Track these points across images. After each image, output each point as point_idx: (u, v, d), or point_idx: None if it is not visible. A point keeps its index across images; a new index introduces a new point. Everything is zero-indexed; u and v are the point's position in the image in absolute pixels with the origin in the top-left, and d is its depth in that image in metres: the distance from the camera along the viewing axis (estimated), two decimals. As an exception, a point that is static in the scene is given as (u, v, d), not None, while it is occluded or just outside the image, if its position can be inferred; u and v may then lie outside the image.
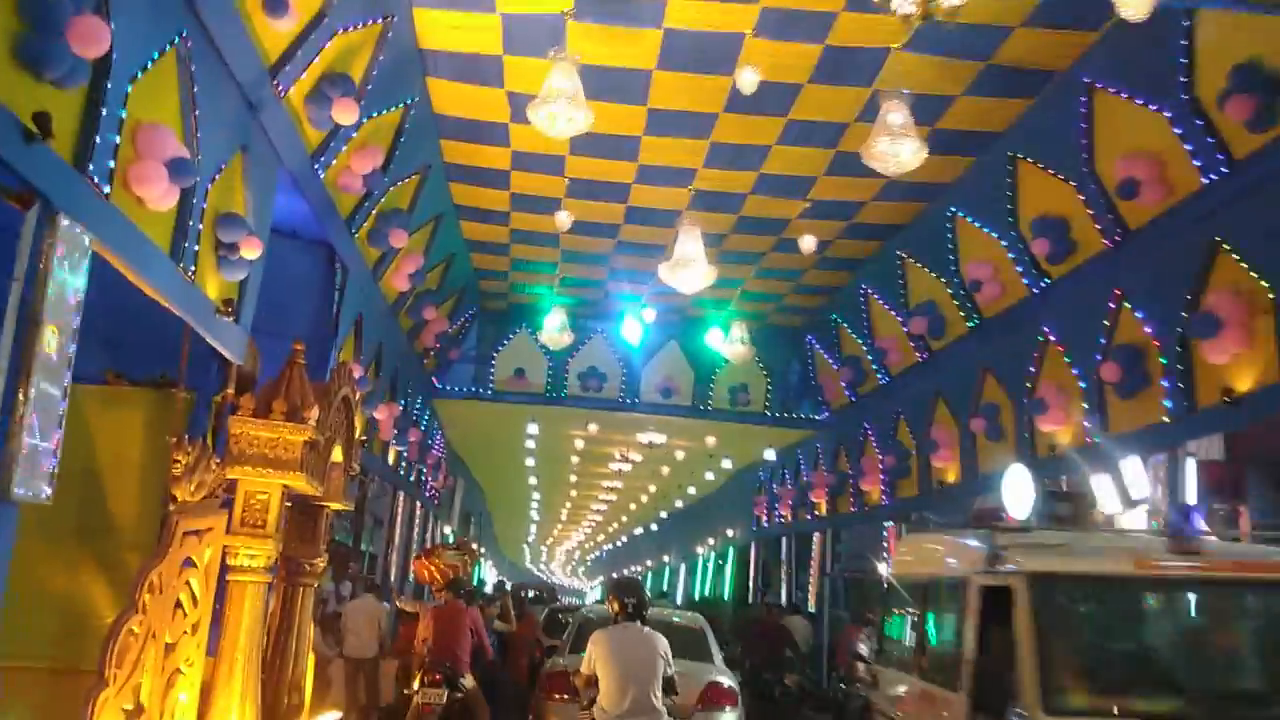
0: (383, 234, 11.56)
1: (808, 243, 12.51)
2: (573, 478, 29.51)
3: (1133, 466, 10.47)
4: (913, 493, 15.09)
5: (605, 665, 6.39)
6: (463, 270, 16.01)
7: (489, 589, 23.97)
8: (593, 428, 19.46)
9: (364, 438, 13.27)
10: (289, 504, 5.27)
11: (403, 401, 15.60)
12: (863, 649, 13.00)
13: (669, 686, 6.56)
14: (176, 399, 6.43)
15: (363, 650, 13.72)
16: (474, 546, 13.90)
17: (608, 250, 15.50)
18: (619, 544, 52.72)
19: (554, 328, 15.03)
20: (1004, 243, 11.54)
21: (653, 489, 30.52)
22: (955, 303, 13.02)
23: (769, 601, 15.57)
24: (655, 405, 19.26)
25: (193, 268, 6.82)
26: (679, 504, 33.41)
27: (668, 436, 19.99)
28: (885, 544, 16.39)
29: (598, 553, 62.58)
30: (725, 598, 28.69)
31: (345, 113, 8.25)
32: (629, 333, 16.83)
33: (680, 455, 23.07)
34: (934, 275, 13.36)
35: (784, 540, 22.25)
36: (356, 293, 11.72)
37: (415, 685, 9.94)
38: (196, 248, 6.81)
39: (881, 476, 16.11)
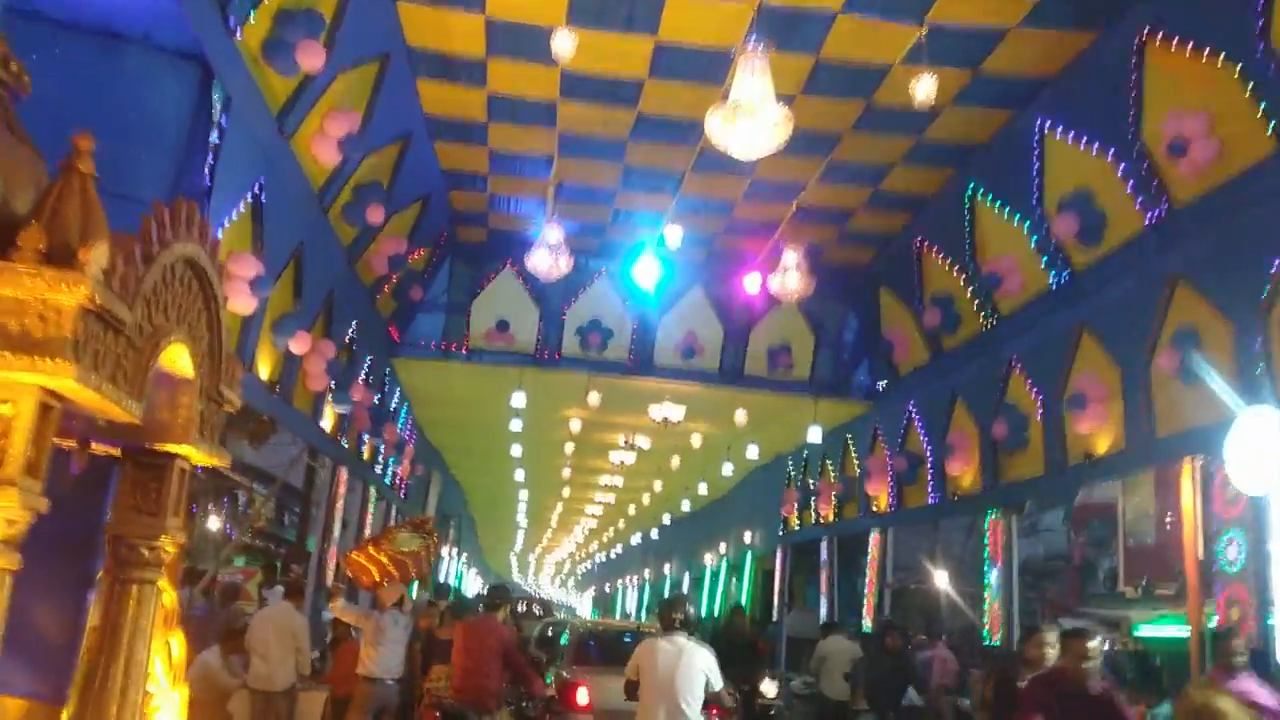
0: (286, 48, 7.60)
1: (924, 88, 8.52)
2: (566, 472, 25.41)
3: None
4: (1032, 471, 11.10)
5: (645, 674, 6.47)
6: (425, 171, 12.00)
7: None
8: (594, 399, 15.46)
9: (275, 381, 9.25)
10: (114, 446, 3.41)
11: (342, 343, 11.59)
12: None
13: (717, 700, 6.74)
14: None
15: (271, 679, 9.77)
16: (435, 529, 9.95)
17: (617, 148, 11.54)
18: (613, 554, 48.50)
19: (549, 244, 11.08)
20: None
21: (658, 487, 26.40)
22: (1125, 184, 9.08)
23: (890, 621, 11.37)
24: (673, 370, 15.27)
25: None
26: (685, 506, 29.27)
27: (686, 411, 15.96)
28: (982, 543, 12.40)
29: (589, 564, 58.34)
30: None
31: None
32: (642, 274, 12.84)
33: (697, 441, 19.02)
34: (1095, 151, 9.42)
35: (824, 544, 18.20)
36: (248, 141, 7.74)
37: None
38: None
39: (980, 453, 12.13)
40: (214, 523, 14.93)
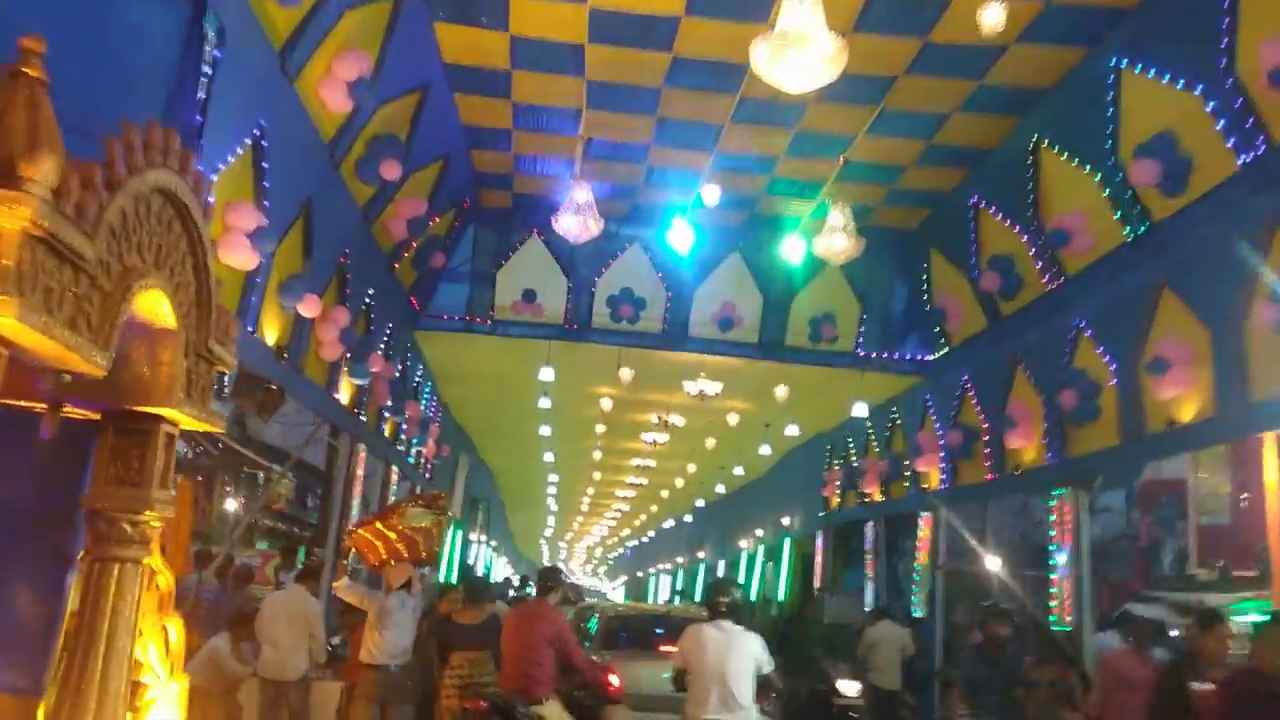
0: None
1: (992, 17, 7.63)
2: (597, 454, 24.67)
3: None
4: (1104, 442, 10.20)
5: (694, 661, 6.34)
6: (445, 126, 11.22)
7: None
8: (625, 374, 14.68)
9: (283, 347, 8.54)
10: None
11: (359, 311, 10.88)
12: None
13: (768, 686, 6.54)
14: None
15: (283, 668, 9.17)
16: (447, 506, 9.22)
17: (650, 96, 10.71)
18: (645, 539, 47.82)
19: (578, 204, 10.31)
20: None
21: (692, 469, 25.60)
22: (1214, 123, 8.15)
23: (997, 607, 9.63)
24: (709, 341, 14.44)
25: None
26: (720, 489, 28.48)
27: (723, 387, 15.13)
28: (1048, 521, 11.52)
29: (621, 550, 57.75)
30: (777, 599, 23.78)
31: None
32: (677, 240, 12.07)
33: (734, 419, 18.21)
34: (1179, 88, 8.48)
35: (869, 526, 17.34)
36: (246, 78, 7.01)
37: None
38: None
39: (1044, 425, 11.24)
40: (231, 504, 14.26)
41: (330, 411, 10.94)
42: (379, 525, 8.40)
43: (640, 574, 54.68)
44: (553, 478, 29.37)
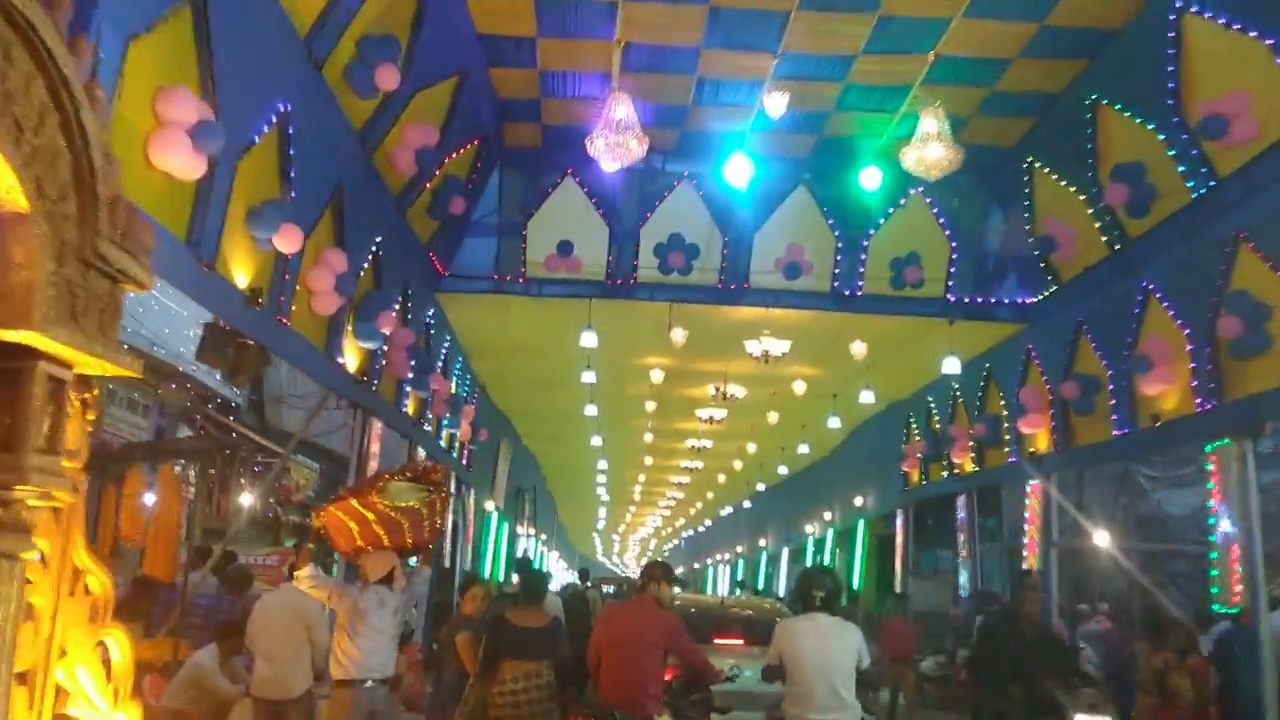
0: None
1: None
2: (648, 437, 22.83)
3: None
4: (1277, 380, 8.19)
5: (793, 659, 5.94)
6: (455, 31, 9.43)
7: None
8: (678, 336, 12.86)
9: (257, 290, 6.85)
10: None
11: (364, 259, 9.14)
12: None
13: (866, 681, 6.17)
14: None
15: (279, 684, 7.48)
16: (445, 481, 7.37)
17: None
18: (701, 529, 45.91)
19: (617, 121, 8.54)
20: None
21: (751, 449, 23.65)
22: None
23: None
24: (774, 293, 12.57)
25: None
26: (782, 471, 26.50)
27: (790, 346, 13.20)
28: (1205, 480, 9.52)
29: (676, 541, 55.89)
30: (851, 587, 21.82)
31: None
32: (734, 173, 10.25)
33: (800, 387, 16.27)
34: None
35: (961, 501, 15.34)
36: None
37: None
38: None
39: (1192, 364, 9.23)
40: (247, 498, 12.62)
41: (331, 379, 9.19)
42: (354, 503, 6.61)
43: (697, 565, 52.83)
44: (601, 464, 27.54)
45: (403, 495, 6.79)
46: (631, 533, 54.53)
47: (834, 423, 18.92)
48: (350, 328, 9.12)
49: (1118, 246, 10.39)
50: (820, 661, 5.91)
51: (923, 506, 18.20)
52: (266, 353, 7.60)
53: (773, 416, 19.07)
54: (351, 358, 9.38)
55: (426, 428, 12.91)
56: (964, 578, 14.83)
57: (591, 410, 18.73)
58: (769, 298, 12.54)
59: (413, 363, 11.31)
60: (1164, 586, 17.94)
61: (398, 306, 10.58)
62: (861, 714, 6.00)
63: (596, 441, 23.08)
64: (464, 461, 16.51)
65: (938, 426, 16.17)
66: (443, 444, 14.39)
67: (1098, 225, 10.54)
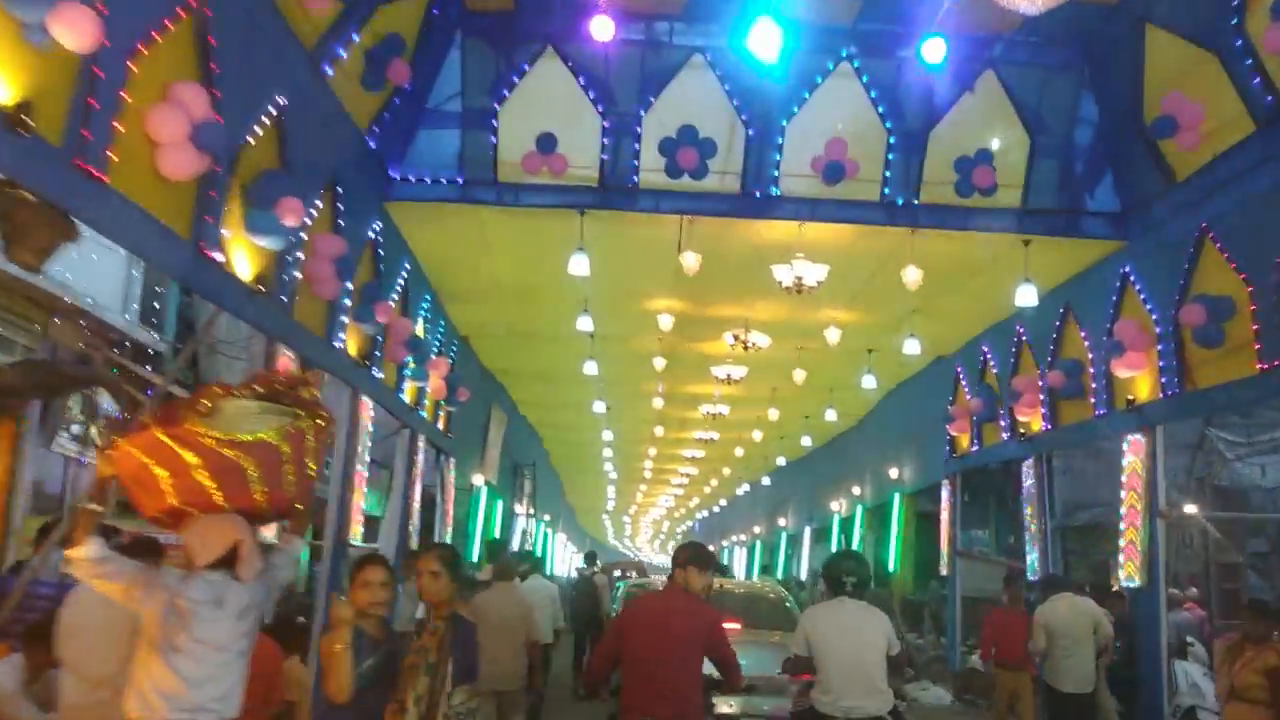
0: None
1: None
2: (657, 402, 20.33)
3: None
4: None
5: (822, 646, 5.85)
6: None
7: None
8: (690, 262, 10.37)
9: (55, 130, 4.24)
10: None
11: (245, 114, 6.63)
12: None
13: (895, 666, 6.00)
14: None
15: (101, 711, 4.99)
16: (320, 400, 4.89)
17: None
18: (717, 509, 43.42)
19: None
20: None
21: (773, 416, 21.07)
22: None
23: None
24: (809, 202, 10.09)
25: None
26: (806, 442, 23.92)
27: (828, 273, 10.68)
28: None
29: (690, 523, 53.45)
30: (886, 570, 19.34)
31: None
32: (759, 45, 7.79)
33: (834, 335, 13.73)
34: None
35: (1028, 466, 12.76)
36: None
37: None
38: None
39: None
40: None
41: (203, 281, 6.66)
42: (162, 435, 4.14)
43: (712, 548, 50.44)
44: (607, 435, 25.06)
45: (248, 422, 4.32)
46: (643, 514, 52.12)
47: (869, 382, 16.41)
48: (235, 212, 6.64)
49: (1269, 119, 7.80)
50: (851, 649, 5.79)
51: (973, 476, 15.71)
52: (71, 224, 5.10)
53: (799, 375, 16.52)
54: (241, 257, 6.89)
55: (377, 374, 10.45)
56: (1033, 558, 12.28)
57: (591, 368, 16.25)
58: (803, 209, 10.03)
59: (349, 285, 8.86)
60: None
61: (321, 204, 8.11)
62: (895, 701, 5.89)
63: (600, 409, 20.61)
64: (438, 425, 14.08)
65: (995, 380, 13.62)
66: (405, 399, 11.94)
67: (1238, 92, 7.96)
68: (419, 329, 12.16)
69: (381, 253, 10.08)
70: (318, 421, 4.51)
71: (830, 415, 19.99)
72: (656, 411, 21.37)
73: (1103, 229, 10.05)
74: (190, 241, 6.16)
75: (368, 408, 10.23)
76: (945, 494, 15.68)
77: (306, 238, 7.81)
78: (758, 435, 23.93)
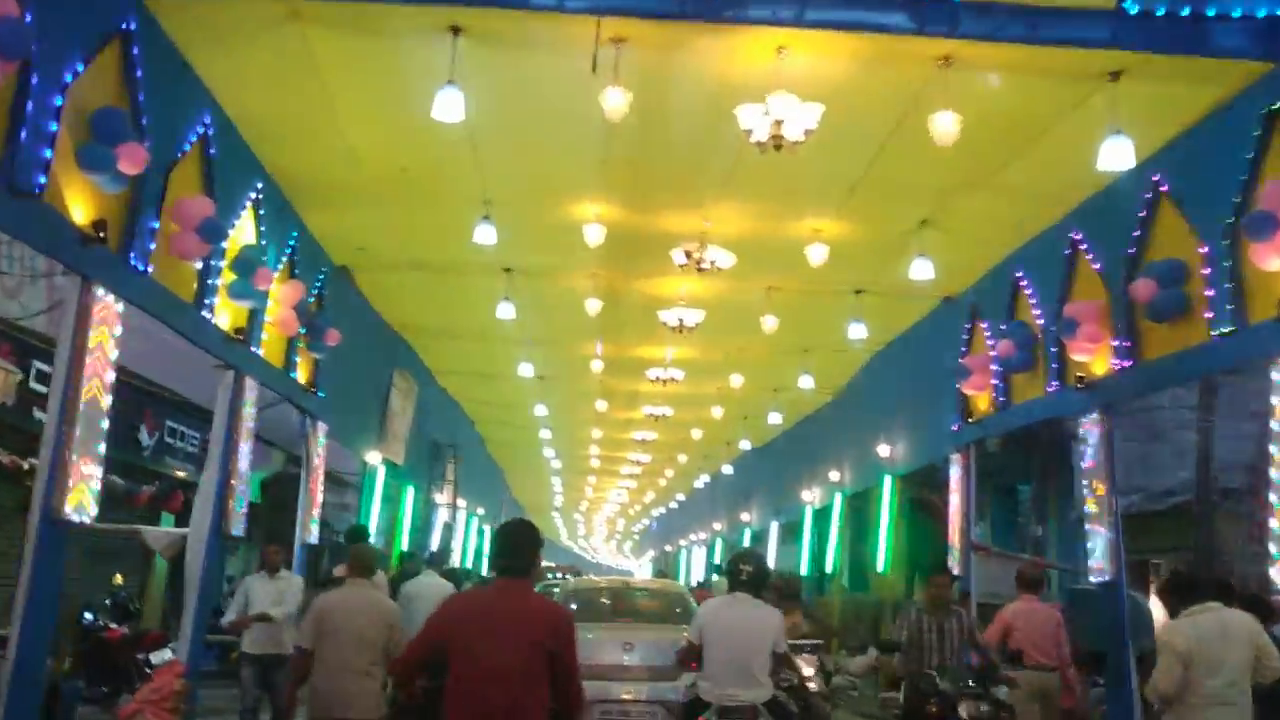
0: None
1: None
2: (595, 364, 16.74)
3: None
4: None
5: (710, 637, 6.29)
6: None
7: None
8: (615, 102, 6.77)
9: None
10: None
11: None
12: None
13: (782, 664, 6.46)
14: None
15: None
16: None
17: None
18: (675, 504, 39.83)
19: None
20: None
21: (736, 383, 17.51)
22: None
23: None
24: (793, 0, 6.54)
25: None
26: (776, 420, 20.38)
27: (823, 113, 7.08)
28: None
29: (646, 521, 49.86)
30: (874, 570, 15.92)
31: None
32: None
33: (819, 253, 10.26)
34: None
35: (1089, 426, 9.21)
36: None
37: None
38: None
39: None
40: None
41: None
42: None
43: (669, 548, 46.95)
44: (540, 410, 21.40)
45: None
46: (596, 511, 48.45)
47: (857, 331, 12.97)
48: None
49: None
50: (737, 643, 6.17)
51: (1006, 453, 12.33)
52: None
53: (769, 322, 12.98)
54: None
55: (140, 266, 6.80)
56: (1099, 550, 8.78)
57: (508, 311, 12.68)
58: (786, 9, 6.52)
59: (38, 87, 5.24)
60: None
61: None
62: (773, 691, 6.24)
63: (528, 371, 17.05)
64: (295, 375, 10.48)
65: (1036, 315, 10.17)
66: (218, 324, 8.30)
67: None
68: (244, 226, 8.59)
69: (140, 75, 6.44)
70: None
71: (806, 382, 16.52)
72: (596, 377, 17.81)
73: (1240, 45, 6.59)
74: None
75: (113, 310, 6.55)
76: (956, 472, 12.19)
77: None
78: (718, 411, 20.39)
